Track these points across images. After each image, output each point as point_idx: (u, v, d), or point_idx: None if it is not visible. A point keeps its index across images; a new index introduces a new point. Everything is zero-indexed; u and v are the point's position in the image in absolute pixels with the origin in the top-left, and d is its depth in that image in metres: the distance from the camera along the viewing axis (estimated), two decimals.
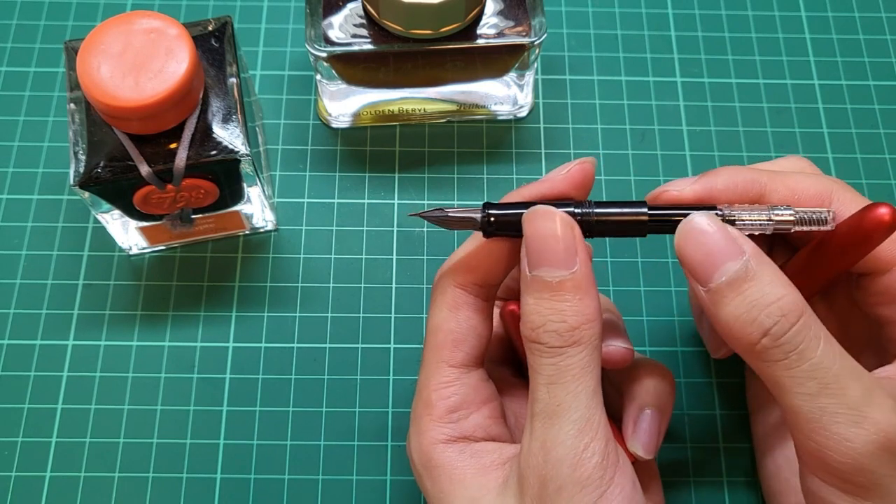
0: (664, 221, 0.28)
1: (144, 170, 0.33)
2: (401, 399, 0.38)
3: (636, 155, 0.43)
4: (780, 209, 0.28)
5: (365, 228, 0.41)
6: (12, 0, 0.46)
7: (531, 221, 0.28)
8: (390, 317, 0.39)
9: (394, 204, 0.42)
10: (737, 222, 0.28)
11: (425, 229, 0.41)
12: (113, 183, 0.34)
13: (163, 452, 0.37)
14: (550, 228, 0.27)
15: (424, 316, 0.39)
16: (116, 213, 0.36)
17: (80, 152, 0.34)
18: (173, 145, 0.33)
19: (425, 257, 0.41)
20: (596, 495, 0.25)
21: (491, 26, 0.38)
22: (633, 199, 0.42)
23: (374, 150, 0.43)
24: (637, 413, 0.31)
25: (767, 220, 0.28)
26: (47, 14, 0.46)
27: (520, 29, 0.38)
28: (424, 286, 0.40)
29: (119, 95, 0.31)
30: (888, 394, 0.25)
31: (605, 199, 0.42)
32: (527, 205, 0.29)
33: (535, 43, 0.38)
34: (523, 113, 0.44)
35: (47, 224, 0.41)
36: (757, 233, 0.28)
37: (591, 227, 0.28)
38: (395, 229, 0.41)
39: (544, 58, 0.45)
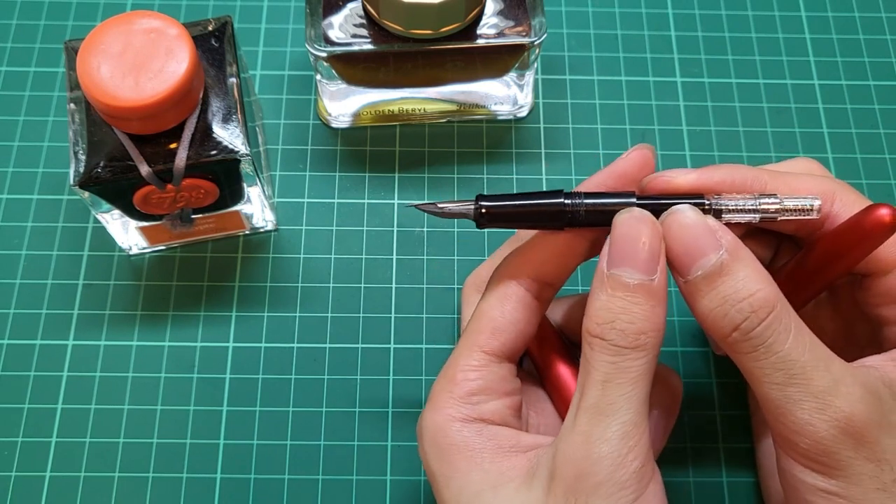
0: (651, 211, 0.28)
1: (144, 170, 0.33)
2: (401, 399, 0.38)
3: None
4: (767, 197, 0.28)
5: (365, 228, 0.41)
6: (12, 0, 0.46)
7: (623, 222, 0.28)
8: (390, 317, 0.39)
9: (394, 204, 0.42)
10: (723, 212, 0.28)
11: (425, 229, 0.41)
12: (113, 183, 0.34)
13: (163, 452, 0.37)
14: (641, 231, 0.27)
15: (425, 316, 0.39)
16: (116, 213, 0.36)
17: (80, 152, 0.34)
18: (173, 145, 0.33)
19: (425, 257, 0.41)
20: (631, 499, 0.26)
21: (491, 26, 0.38)
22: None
23: (374, 150, 0.43)
24: None
25: (753, 210, 0.28)
26: (47, 14, 0.46)
27: (520, 29, 0.38)
28: (424, 286, 0.40)
29: (119, 95, 0.31)
30: (860, 381, 0.26)
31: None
32: (518, 196, 0.29)
33: (535, 43, 0.38)
34: (523, 113, 0.44)
35: (47, 224, 0.41)
36: (744, 221, 0.28)
37: (581, 217, 0.28)
38: (395, 229, 0.41)
39: (544, 58, 0.45)
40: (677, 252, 0.27)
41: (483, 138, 0.43)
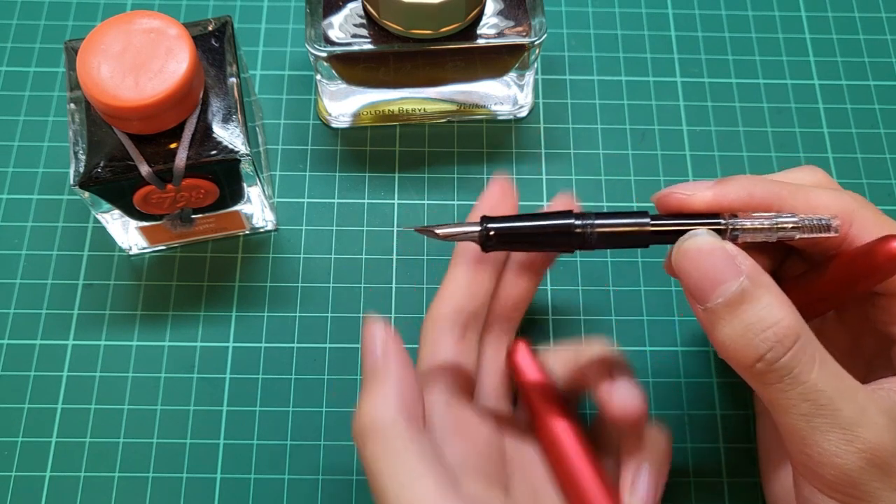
0: (666, 233, 0.28)
1: (144, 170, 0.33)
2: None
3: (636, 155, 0.43)
4: (785, 216, 0.28)
5: (365, 228, 0.41)
6: (12, 0, 0.46)
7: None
8: (390, 317, 0.39)
9: (394, 204, 0.42)
10: (740, 235, 0.28)
11: None
12: (113, 183, 0.34)
13: (163, 452, 0.37)
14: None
15: (424, 316, 0.39)
16: (116, 213, 0.36)
17: (80, 152, 0.34)
18: (173, 145, 0.33)
19: (425, 257, 0.41)
20: None
21: (491, 26, 0.38)
22: (633, 199, 0.42)
23: (374, 150, 0.43)
24: (636, 468, 0.31)
25: (771, 229, 0.28)
26: (47, 14, 0.46)
27: (520, 29, 0.38)
28: (424, 286, 0.40)
29: (119, 95, 0.31)
30: (884, 409, 0.26)
31: (605, 202, 0.42)
32: (527, 217, 0.29)
33: (535, 43, 0.38)
34: (523, 113, 0.44)
35: (47, 224, 0.41)
36: (760, 240, 0.28)
37: (593, 240, 0.28)
38: (395, 229, 0.41)
39: (544, 58, 0.45)
40: (696, 279, 0.26)
41: (483, 138, 0.43)
